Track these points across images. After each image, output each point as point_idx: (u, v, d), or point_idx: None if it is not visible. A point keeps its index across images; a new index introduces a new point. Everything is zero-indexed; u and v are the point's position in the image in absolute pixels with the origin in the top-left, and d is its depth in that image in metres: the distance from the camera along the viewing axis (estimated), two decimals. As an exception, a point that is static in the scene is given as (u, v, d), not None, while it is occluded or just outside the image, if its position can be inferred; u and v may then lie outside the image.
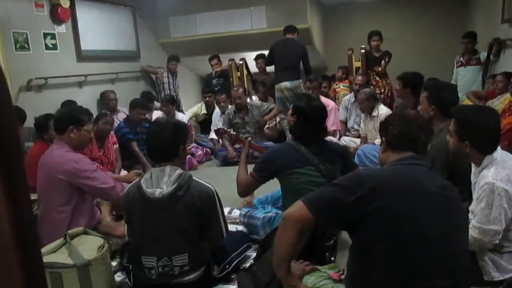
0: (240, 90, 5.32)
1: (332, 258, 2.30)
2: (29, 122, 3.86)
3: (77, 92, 5.41)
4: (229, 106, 5.81)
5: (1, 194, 0.45)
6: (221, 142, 5.33)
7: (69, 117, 2.61)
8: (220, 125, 5.66)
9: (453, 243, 1.44)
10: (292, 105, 2.65)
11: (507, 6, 5.11)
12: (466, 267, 1.47)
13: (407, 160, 1.56)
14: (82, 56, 5.50)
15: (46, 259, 1.99)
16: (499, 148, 2.02)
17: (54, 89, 5.01)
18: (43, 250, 2.08)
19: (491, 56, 5.47)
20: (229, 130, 3.85)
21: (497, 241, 1.92)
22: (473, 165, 2.13)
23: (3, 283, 0.46)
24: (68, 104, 4.52)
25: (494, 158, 1.97)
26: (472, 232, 1.91)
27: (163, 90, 6.60)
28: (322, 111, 2.57)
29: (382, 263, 1.41)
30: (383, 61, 5.81)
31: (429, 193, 1.44)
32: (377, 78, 5.87)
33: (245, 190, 2.65)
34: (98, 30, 5.87)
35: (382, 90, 5.82)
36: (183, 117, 5.70)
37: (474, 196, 2.03)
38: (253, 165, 2.60)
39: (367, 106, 4.62)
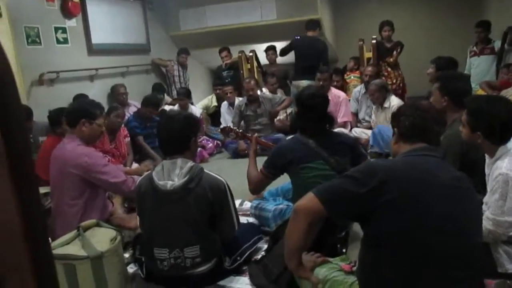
0: (252, 82, 5.29)
1: (344, 250, 2.30)
2: (43, 116, 3.90)
3: (88, 85, 5.45)
4: (236, 98, 5.82)
5: (9, 188, 0.46)
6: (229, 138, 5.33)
7: (81, 110, 2.63)
8: (227, 118, 5.68)
9: (467, 234, 1.42)
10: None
11: (522, -7, 5.01)
12: (480, 259, 1.46)
13: (419, 151, 1.55)
14: (93, 49, 5.53)
15: (59, 251, 2.01)
16: (512, 138, 1.98)
17: (65, 83, 5.05)
18: (57, 242, 2.11)
19: (506, 45, 5.37)
20: (235, 128, 3.84)
21: (511, 233, 1.89)
22: (487, 156, 2.10)
23: (13, 274, 0.47)
24: (80, 98, 4.55)
25: (508, 149, 1.94)
26: (486, 224, 1.89)
27: (174, 83, 6.62)
28: (320, 98, 2.51)
29: (394, 255, 1.40)
30: (395, 52, 5.74)
31: (442, 184, 1.43)
32: (389, 69, 5.81)
33: (256, 187, 2.65)
34: (108, 23, 5.89)
35: (394, 81, 5.76)
36: (196, 110, 5.71)
37: (488, 187, 2.00)
38: (263, 157, 2.59)
39: (378, 97, 4.58)
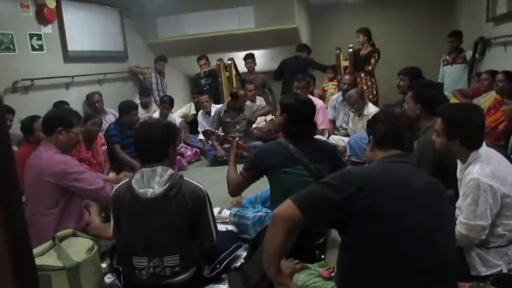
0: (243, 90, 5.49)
1: (322, 256, 2.32)
2: (16, 124, 3.83)
3: (64, 93, 5.35)
4: (213, 106, 5.84)
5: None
6: (210, 142, 5.33)
7: (58, 118, 2.58)
8: (205, 125, 5.68)
9: (441, 238, 1.46)
10: (279, 104, 2.66)
11: (491, 5, 5.19)
12: (453, 262, 1.49)
13: (394, 158, 1.58)
14: (69, 57, 5.44)
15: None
16: (484, 144, 2.05)
17: (40, 90, 4.95)
18: (32, 253, 2.06)
19: (477, 55, 5.54)
20: (216, 131, 3.85)
21: (484, 237, 1.95)
22: (458, 162, 2.16)
23: None
24: (60, 105, 4.49)
25: (479, 154, 2.00)
26: (459, 228, 1.94)
27: (152, 90, 6.57)
28: (311, 105, 2.60)
29: (371, 260, 1.42)
30: (372, 59, 5.80)
31: (417, 190, 1.46)
32: (363, 76, 5.85)
33: (235, 189, 2.66)
34: (85, 30, 5.82)
35: (369, 89, 5.82)
36: (175, 118, 5.68)
37: (461, 192, 2.06)
38: (242, 165, 2.60)
39: (360, 105, 4.65)
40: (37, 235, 2.40)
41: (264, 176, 2.58)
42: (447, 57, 5.83)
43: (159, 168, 2.08)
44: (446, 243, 1.49)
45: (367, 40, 5.89)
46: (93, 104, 5.43)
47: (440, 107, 2.18)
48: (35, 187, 2.48)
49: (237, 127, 5.28)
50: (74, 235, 2.22)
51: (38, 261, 1.98)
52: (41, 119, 2.93)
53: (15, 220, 0.47)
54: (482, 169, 1.94)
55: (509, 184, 1.94)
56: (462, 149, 2.03)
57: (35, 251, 2.07)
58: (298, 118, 2.50)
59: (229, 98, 5.38)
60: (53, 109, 2.65)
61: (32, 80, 4.77)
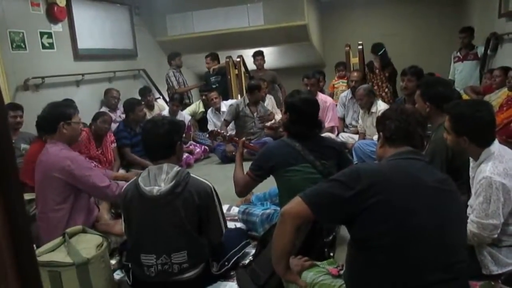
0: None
1: (331, 254, 2.31)
2: (28, 122, 3.86)
3: (74, 91, 5.40)
4: (222, 103, 5.84)
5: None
6: (217, 141, 5.32)
7: (56, 114, 2.57)
8: (216, 122, 5.69)
9: (451, 237, 1.44)
10: (284, 103, 2.64)
11: (504, 1, 5.11)
12: (464, 261, 1.47)
13: (405, 155, 1.57)
14: (79, 55, 5.48)
15: (44, 258, 1.99)
16: (496, 142, 2.02)
17: (51, 88, 5.00)
18: (42, 249, 2.08)
19: (488, 51, 5.47)
20: (222, 131, 3.84)
21: (495, 235, 1.92)
22: (471, 159, 2.13)
23: None
24: (68, 102, 4.52)
25: (492, 152, 1.97)
26: (471, 227, 1.91)
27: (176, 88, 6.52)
28: (314, 104, 2.55)
29: (380, 257, 1.41)
30: (386, 74, 5.68)
31: (427, 187, 1.45)
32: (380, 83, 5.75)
33: (243, 189, 2.65)
34: (94, 28, 5.86)
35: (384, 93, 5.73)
36: (184, 116, 5.68)
37: (473, 190, 2.03)
38: (250, 162, 2.60)
39: (366, 102, 4.61)
40: (48, 231, 2.42)
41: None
42: (458, 54, 5.76)
43: (165, 166, 2.09)
44: (457, 241, 1.47)
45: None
46: (110, 99, 5.47)
47: (447, 104, 2.15)
48: (44, 183, 2.50)
49: (256, 123, 5.30)
50: (83, 231, 2.23)
51: (49, 257, 2.00)
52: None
53: (16, 216, 0.46)
54: (495, 167, 1.91)
55: (521, 182, 1.91)
56: (473, 146, 2.00)
57: (46, 247, 2.09)
58: (301, 117, 2.47)
59: (244, 94, 5.37)
60: (44, 109, 2.65)
61: (43, 78, 4.81)
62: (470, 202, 2.03)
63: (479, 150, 2.00)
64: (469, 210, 2.01)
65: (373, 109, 4.59)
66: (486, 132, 2.00)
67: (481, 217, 1.90)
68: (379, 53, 5.58)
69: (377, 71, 5.70)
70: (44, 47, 4.98)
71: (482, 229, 1.90)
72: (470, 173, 2.14)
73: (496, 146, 2.00)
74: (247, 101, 5.32)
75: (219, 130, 3.81)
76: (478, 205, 1.92)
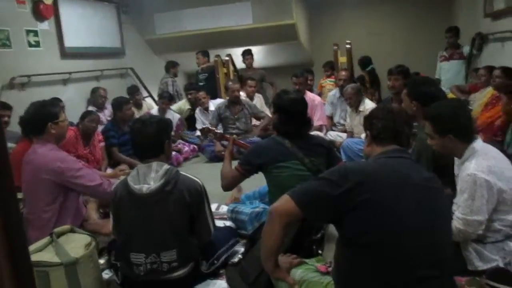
0: (237, 84, 5.37)
1: (320, 251, 2.33)
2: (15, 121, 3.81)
3: (62, 89, 5.35)
4: (211, 102, 5.83)
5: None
6: (208, 139, 5.32)
7: (43, 115, 2.54)
8: (204, 121, 5.68)
9: (438, 234, 1.46)
10: (272, 103, 2.66)
11: (488, 1, 5.19)
12: (450, 258, 1.50)
13: (392, 153, 1.59)
14: (66, 53, 5.43)
15: (32, 258, 1.96)
16: (479, 140, 2.06)
17: (38, 87, 4.95)
18: (30, 249, 2.06)
19: (474, 50, 5.55)
20: (213, 128, 3.84)
21: (480, 232, 1.95)
22: (455, 158, 2.17)
23: None
24: (53, 100, 4.47)
25: (476, 150, 2.00)
26: (456, 223, 1.95)
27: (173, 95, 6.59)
28: (301, 102, 2.56)
29: (368, 255, 1.42)
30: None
31: (415, 185, 1.47)
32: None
33: (229, 183, 2.65)
34: (82, 27, 5.81)
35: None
36: (174, 114, 5.67)
37: (457, 187, 2.06)
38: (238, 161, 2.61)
39: (355, 101, 4.65)
40: (36, 231, 2.40)
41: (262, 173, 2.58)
42: (444, 53, 5.83)
43: (154, 164, 2.09)
44: (443, 238, 1.49)
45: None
46: (98, 98, 5.44)
47: (424, 110, 2.19)
48: (32, 184, 2.47)
49: (237, 124, 5.28)
50: (71, 231, 2.22)
51: (36, 257, 1.98)
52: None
53: (10, 217, 0.47)
54: (479, 164, 1.94)
55: (505, 179, 1.95)
56: (457, 143, 2.04)
57: (33, 247, 2.07)
58: (289, 117, 2.49)
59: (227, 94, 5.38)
60: (28, 110, 2.61)
61: (29, 76, 4.76)
62: (455, 199, 2.07)
63: (464, 146, 2.04)
64: (454, 207, 2.04)
65: (361, 108, 4.63)
66: (468, 125, 2.04)
67: (466, 213, 1.93)
68: (367, 69, 5.69)
69: (367, 85, 5.79)
70: (30, 45, 4.92)
71: (468, 226, 1.94)
72: (455, 171, 2.18)
73: (480, 144, 2.04)
74: (226, 102, 5.32)
75: (210, 127, 3.81)
76: (463, 202, 1.95)
